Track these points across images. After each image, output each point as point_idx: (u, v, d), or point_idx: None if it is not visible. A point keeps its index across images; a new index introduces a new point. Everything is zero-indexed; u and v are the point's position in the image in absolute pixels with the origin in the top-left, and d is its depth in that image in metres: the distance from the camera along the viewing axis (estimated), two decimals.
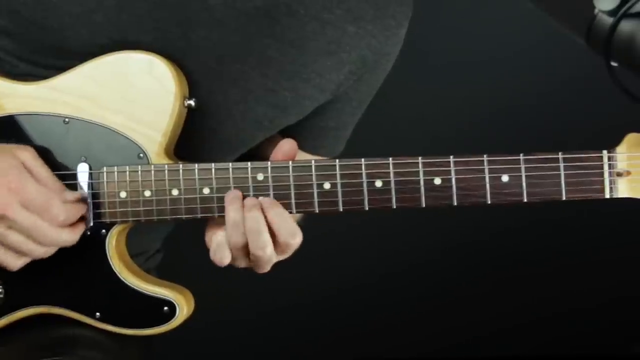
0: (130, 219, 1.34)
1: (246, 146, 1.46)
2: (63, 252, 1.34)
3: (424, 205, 1.31)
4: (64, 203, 1.29)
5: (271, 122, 1.43)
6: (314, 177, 1.31)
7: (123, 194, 1.33)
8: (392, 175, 1.30)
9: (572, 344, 2.78)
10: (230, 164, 1.32)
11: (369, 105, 1.53)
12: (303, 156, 1.49)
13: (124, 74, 1.33)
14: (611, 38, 1.03)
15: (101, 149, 1.33)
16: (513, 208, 1.38)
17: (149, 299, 1.35)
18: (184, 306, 1.36)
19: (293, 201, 1.32)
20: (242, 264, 1.32)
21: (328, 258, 2.52)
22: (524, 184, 1.30)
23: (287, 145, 1.33)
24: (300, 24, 1.37)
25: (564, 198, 1.30)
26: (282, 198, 1.31)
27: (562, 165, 1.29)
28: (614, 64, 1.05)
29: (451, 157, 1.30)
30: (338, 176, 1.30)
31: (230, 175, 1.32)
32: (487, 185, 1.30)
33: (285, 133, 1.47)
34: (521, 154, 1.30)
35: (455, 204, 1.30)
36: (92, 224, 1.34)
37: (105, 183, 1.33)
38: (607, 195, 1.30)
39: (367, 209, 1.30)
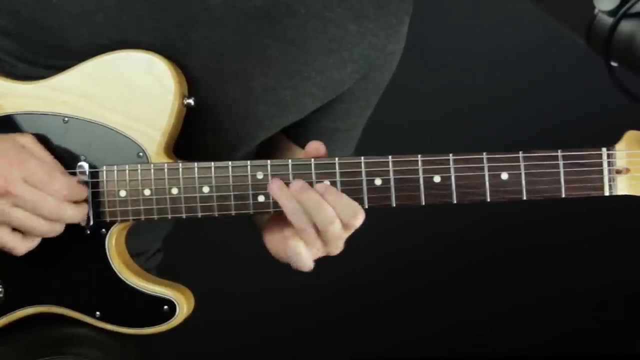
0: (130, 217, 1.34)
1: (247, 145, 1.46)
2: (63, 252, 1.34)
3: (423, 203, 1.30)
4: (65, 177, 1.30)
5: (271, 121, 1.43)
6: (313, 176, 1.30)
7: (123, 193, 1.33)
8: (391, 173, 1.30)
9: (572, 344, 2.78)
10: (230, 162, 1.32)
11: None
12: None
13: (123, 73, 1.33)
14: (611, 38, 1.03)
15: (100, 148, 1.33)
16: (513, 206, 1.38)
17: (148, 298, 1.35)
18: (184, 305, 1.36)
19: None
20: (317, 248, 1.31)
21: (327, 257, 2.51)
22: (523, 182, 1.29)
23: (312, 146, 1.32)
24: (300, 23, 1.37)
25: (563, 195, 1.30)
26: None
27: (561, 162, 1.29)
28: (614, 64, 1.05)
29: (450, 155, 1.30)
30: (337, 174, 1.30)
31: (230, 174, 1.32)
32: (487, 183, 1.30)
33: (294, 139, 1.48)
34: (520, 152, 1.29)
35: (455, 201, 1.30)
36: (92, 222, 1.34)
37: (104, 182, 1.33)
38: (607, 193, 1.30)
39: (366, 207, 1.30)
